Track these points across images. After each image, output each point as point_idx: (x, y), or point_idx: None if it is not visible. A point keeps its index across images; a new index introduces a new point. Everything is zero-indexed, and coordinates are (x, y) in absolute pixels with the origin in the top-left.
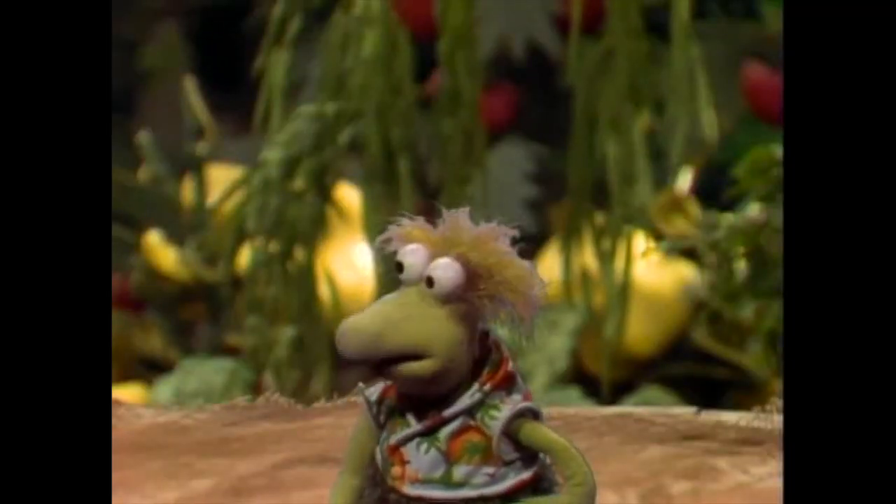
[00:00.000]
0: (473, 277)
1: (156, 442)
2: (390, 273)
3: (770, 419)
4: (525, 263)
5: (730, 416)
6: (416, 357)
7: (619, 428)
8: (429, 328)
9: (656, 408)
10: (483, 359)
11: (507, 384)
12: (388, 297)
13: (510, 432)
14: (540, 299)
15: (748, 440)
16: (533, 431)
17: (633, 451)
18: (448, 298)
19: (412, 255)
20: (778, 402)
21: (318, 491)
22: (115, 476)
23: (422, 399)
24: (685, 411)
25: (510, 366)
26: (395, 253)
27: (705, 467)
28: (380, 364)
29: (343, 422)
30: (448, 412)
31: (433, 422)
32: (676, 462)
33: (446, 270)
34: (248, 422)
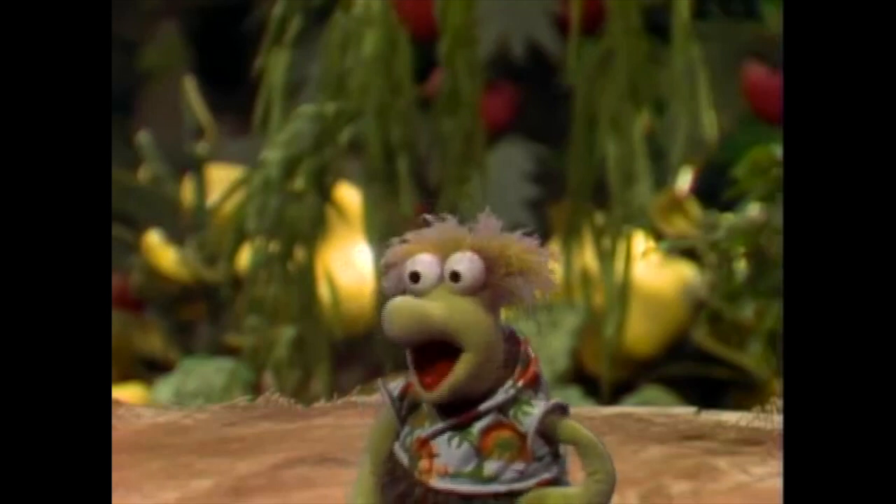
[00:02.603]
0: (489, 263)
1: (156, 442)
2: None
3: (770, 419)
4: (527, 239)
5: (730, 416)
6: (454, 347)
7: (619, 428)
8: (465, 318)
9: (656, 408)
10: (514, 357)
11: (535, 384)
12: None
13: (544, 428)
14: (551, 270)
15: (748, 440)
16: (566, 427)
17: (633, 451)
18: (473, 289)
19: (423, 263)
20: (778, 402)
21: (318, 491)
22: (115, 476)
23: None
24: (685, 411)
25: (538, 366)
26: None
27: (705, 467)
28: (421, 363)
29: (343, 422)
30: (484, 406)
31: (467, 416)
32: (676, 462)
33: (469, 262)
34: (248, 422)
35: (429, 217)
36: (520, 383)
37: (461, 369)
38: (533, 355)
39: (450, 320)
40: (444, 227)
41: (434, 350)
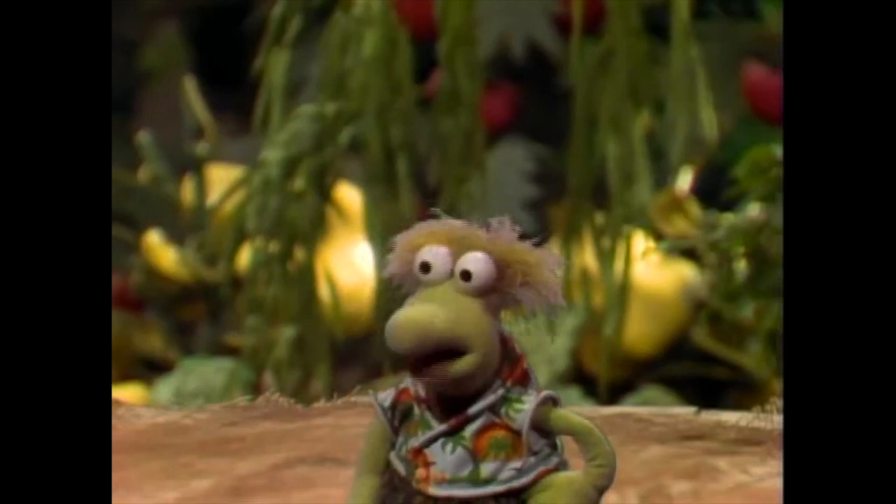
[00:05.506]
0: (502, 268)
1: (156, 442)
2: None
3: (770, 419)
4: (540, 250)
5: (730, 416)
6: (458, 351)
7: (619, 428)
8: (470, 321)
9: (656, 408)
10: (503, 356)
11: (524, 380)
12: (420, 295)
13: (537, 421)
14: (560, 282)
15: (748, 440)
16: (559, 417)
17: (633, 451)
18: (482, 291)
19: (436, 255)
20: (778, 402)
21: (318, 491)
22: (115, 476)
23: (442, 399)
24: (685, 411)
25: (526, 363)
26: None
27: (705, 467)
28: (420, 364)
29: (343, 422)
30: (473, 409)
31: (458, 421)
32: (676, 462)
33: (482, 263)
34: (248, 422)
35: (437, 212)
36: (508, 382)
37: (461, 365)
38: (520, 352)
39: (455, 327)
40: (458, 223)
41: (436, 354)
